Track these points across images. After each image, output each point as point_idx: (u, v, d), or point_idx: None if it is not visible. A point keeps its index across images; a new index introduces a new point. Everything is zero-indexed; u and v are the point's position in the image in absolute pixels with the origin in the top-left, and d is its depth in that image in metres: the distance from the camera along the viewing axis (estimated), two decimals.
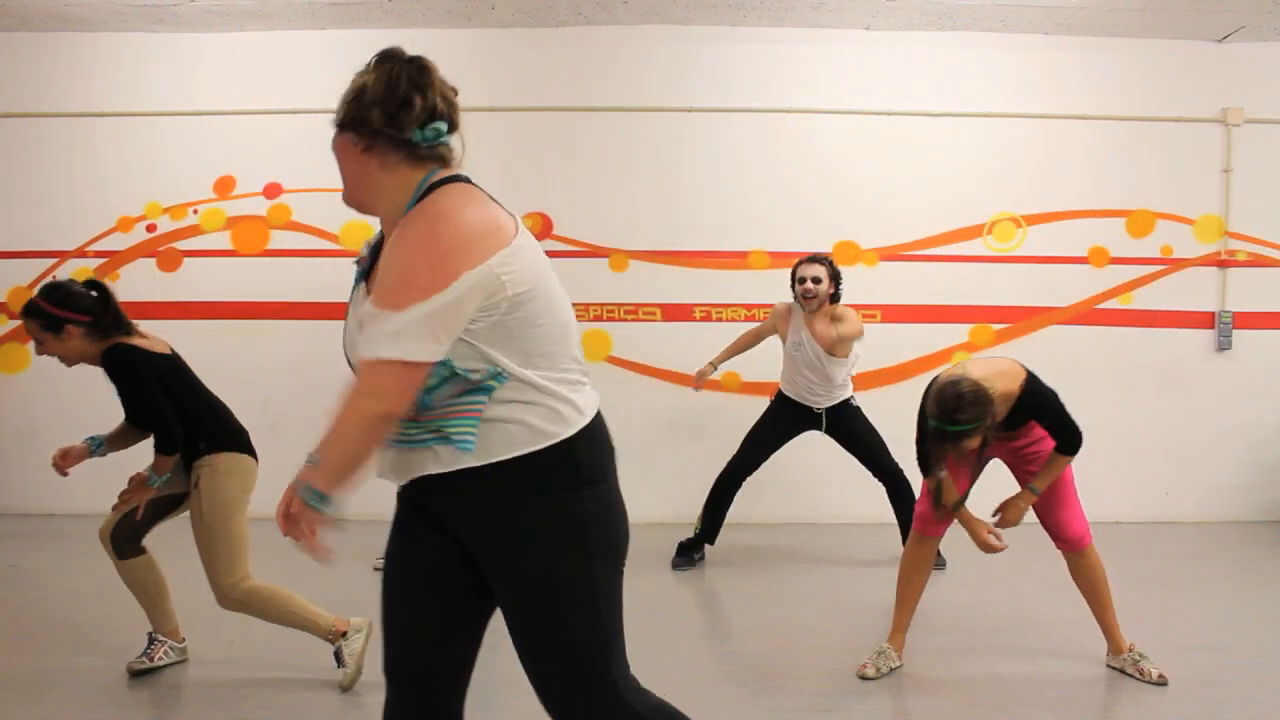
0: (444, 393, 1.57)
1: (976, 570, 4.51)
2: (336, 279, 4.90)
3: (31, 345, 3.15)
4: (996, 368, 3.19)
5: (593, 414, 1.70)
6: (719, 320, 5.90)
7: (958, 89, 5.91)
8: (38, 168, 5.96)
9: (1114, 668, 3.39)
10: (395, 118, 1.61)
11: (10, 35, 5.88)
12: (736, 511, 4.85)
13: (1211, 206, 5.97)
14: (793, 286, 4.69)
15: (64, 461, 3.18)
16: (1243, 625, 3.95)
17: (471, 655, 1.79)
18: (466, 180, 1.65)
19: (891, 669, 3.38)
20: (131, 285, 5.90)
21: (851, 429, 4.77)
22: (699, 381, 4.94)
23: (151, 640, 3.35)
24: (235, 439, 3.24)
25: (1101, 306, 5.97)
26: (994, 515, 3.37)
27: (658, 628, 3.77)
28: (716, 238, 5.92)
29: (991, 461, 3.41)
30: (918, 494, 3.57)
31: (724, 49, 5.89)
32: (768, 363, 5.08)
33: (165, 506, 3.29)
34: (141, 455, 3.22)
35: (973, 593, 4.33)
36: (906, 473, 4.54)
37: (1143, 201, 5.95)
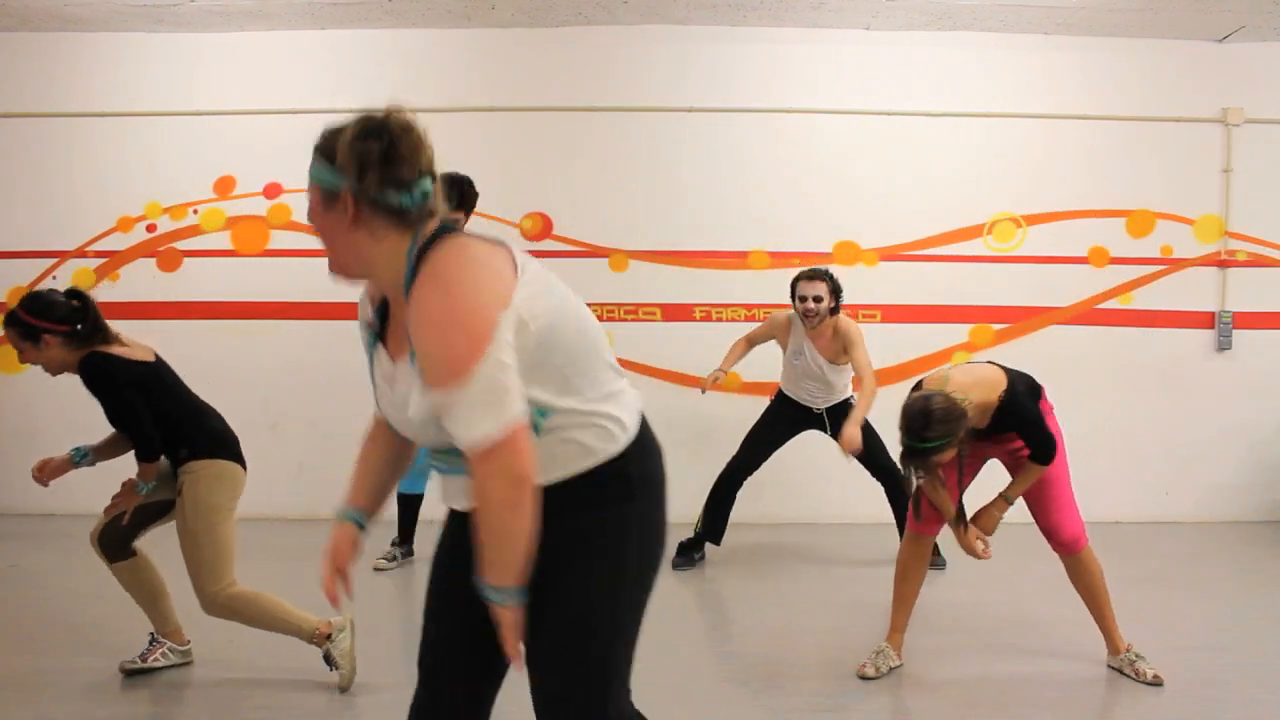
0: None
1: (976, 570, 4.48)
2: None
3: None
4: (977, 376, 3.18)
5: (639, 422, 1.71)
6: (719, 320, 5.90)
7: (958, 89, 5.91)
8: (38, 168, 5.96)
9: (1113, 668, 3.39)
10: (384, 193, 1.55)
11: (10, 35, 5.89)
12: (737, 511, 4.85)
13: (1211, 206, 5.97)
14: (793, 299, 4.69)
15: (42, 473, 3.17)
16: (1243, 625, 3.95)
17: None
18: (451, 228, 1.61)
19: (891, 668, 3.38)
20: (131, 285, 5.93)
21: None
22: (708, 385, 4.88)
23: (152, 640, 3.35)
24: (220, 446, 3.20)
25: (1101, 306, 5.97)
26: (969, 525, 3.30)
27: (658, 628, 3.70)
28: (716, 238, 5.92)
29: (991, 462, 3.42)
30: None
31: (724, 49, 5.89)
32: (768, 363, 5.07)
33: (155, 512, 3.28)
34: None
35: (973, 593, 4.33)
36: None
37: (1143, 201, 5.95)
